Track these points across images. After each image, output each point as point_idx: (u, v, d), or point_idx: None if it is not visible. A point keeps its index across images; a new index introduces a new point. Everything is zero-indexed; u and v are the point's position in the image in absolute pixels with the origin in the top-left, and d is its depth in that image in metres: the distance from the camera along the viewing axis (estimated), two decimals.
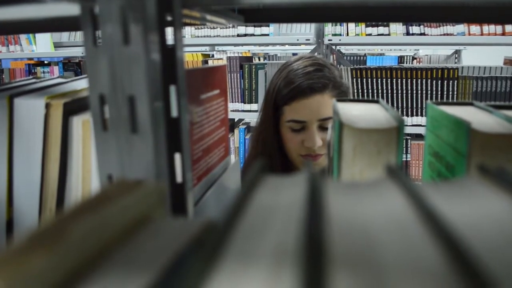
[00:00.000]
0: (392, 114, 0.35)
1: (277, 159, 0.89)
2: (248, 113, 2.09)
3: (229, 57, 2.22)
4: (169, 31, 0.31)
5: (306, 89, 0.81)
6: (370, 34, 2.11)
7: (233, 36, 2.35)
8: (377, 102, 0.42)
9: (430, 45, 2.91)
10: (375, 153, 0.31)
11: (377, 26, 2.09)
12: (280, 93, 0.84)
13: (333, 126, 0.35)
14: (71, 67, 2.88)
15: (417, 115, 1.88)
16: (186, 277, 0.12)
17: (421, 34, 2.11)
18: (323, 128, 0.83)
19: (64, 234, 0.15)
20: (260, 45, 3.38)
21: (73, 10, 0.30)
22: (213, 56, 3.24)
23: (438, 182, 0.21)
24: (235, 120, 2.34)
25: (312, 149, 0.83)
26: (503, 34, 2.01)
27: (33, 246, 0.14)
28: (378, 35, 2.11)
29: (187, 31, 2.44)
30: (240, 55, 2.78)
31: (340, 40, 2.07)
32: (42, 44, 2.77)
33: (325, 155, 0.85)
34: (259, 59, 3.61)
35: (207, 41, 2.45)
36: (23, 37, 2.81)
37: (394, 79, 1.86)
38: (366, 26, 2.10)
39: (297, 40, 2.11)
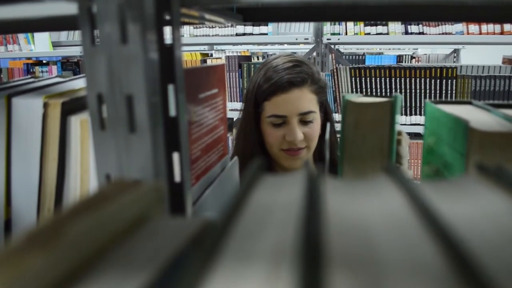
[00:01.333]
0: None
1: (258, 156, 0.89)
2: None
3: (228, 56, 2.22)
4: (168, 30, 0.31)
5: (285, 83, 0.82)
6: (369, 33, 2.11)
7: (231, 35, 2.35)
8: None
9: (428, 44, 2.91)
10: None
11: (376, 25, 2.09)
12: (260, 89, 0.85)
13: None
14: (70, 66, 2.88)
15: (415, 114, 1.89)
16: (184, 277, 0.12)
17: (419, 33, 2.11)
18: (303, 123, 0.85)
19: (62, 234, 0.15)
20: (259, 44, 3.38)
21: (71, 9, 0.30)
22: (211, 55, 3.24)
23: (436, 181, 0.21)
24: (234, 119, 2.34)
25: (293, 143, 0.84)
26: (502, 33, 2.01)
27: (30, 246, 0.14)
28: (376, 34, 2.11)
29: (186, 30, 2.44)
30: (239, 54, 2.77)
31: (338, 39, 2.07)
32: (41, 44, 2.77)
33: (307, 148, 0.86)
34: (258, 58, 3.61)
35: (205, 40, 2.45)
36: (21, 36, 2.80)
37: (393, 78, 1.87)
38: (365, 25, 2.10)
39: (296, 39, 2.11)
